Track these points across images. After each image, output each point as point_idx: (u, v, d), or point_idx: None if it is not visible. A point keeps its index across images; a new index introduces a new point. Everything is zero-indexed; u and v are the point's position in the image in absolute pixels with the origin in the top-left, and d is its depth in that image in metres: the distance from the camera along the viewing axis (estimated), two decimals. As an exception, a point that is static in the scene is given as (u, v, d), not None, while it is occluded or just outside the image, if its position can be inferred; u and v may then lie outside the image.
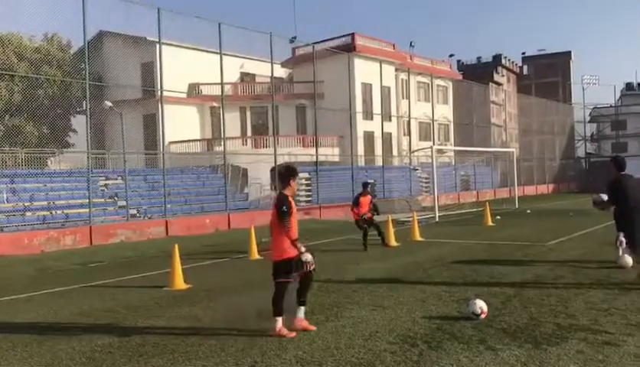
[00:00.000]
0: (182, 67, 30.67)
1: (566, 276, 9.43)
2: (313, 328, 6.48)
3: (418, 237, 16.03)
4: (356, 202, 14.48)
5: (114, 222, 20.12)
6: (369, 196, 14.76)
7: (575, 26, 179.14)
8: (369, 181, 17.21)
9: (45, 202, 19.95)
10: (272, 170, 27.44)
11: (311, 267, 6.34)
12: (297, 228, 6.53)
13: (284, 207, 6.38)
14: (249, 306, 8.04)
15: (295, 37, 35.67)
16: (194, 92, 35.96)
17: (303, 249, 6.31)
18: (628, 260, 9.84)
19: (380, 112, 34.99)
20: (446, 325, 6.56)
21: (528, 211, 25.75)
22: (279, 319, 6.34)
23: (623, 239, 9.42)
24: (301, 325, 6.48)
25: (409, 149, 39.09)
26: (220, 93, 24.74)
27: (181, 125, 31.26)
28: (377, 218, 14.80)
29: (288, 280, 6.35)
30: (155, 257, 14.61)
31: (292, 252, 6.34)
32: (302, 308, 6.56)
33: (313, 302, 8.09)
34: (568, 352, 5.45)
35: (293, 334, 6.29)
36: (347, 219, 26.28)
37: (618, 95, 68.08)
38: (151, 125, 30.90)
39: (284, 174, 6.77)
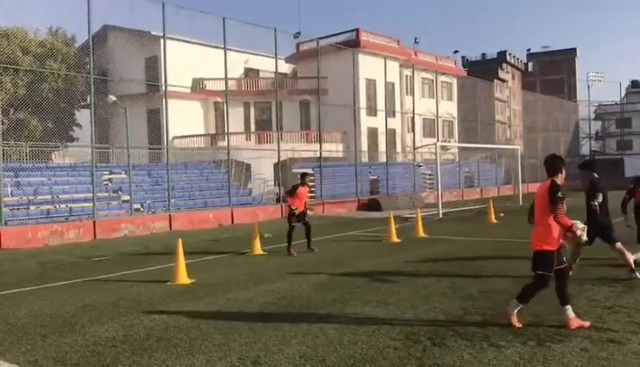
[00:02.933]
0: (186, 62, 30.66)
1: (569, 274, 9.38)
2: (587, 324, 6.20)
3: (421, 234, 16.02)
4: (293, 193, 13.21)
5: (118, 217, 20.16)
6: (307, 188, 13.69)
7: (580, 23, 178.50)
8: (307, 171, 15.65)
9: (49, 196, 19.99)
10: (276, 165, 27.45)
11: (583, 237, 6.29)
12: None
13: (559, 193, 6.24)
14: (253, 301, 8.06)
15: (299, 33, 35.57)
16: (198, 87, 35.98)
17: (580, 225, 6.27)
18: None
19: (384, 108, 34.94)
20: (450, 322, 6.56)
21: (532, 208, 25.67)
22: (515, 305, 6.27)
23: None
24: (575, 324, 6.14)
25: (413, 145, 39.06)
26: (224, 88, 24.74)
27: (184, 120, 31.29)
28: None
29: (548, 274, 6.18)
30: (159, 251, 14.64)
31: (554, 245, 6.22)
32: (568, 307, 6.23)
33: (316, 298, 8.11)
34: (572, 349, 5.44)
35: (520, 325, 6.21)
36: (351, 215, 26.37)
37: (623, 92, 67.85)
38: (155, 120, 30.96)
39: (554, 163, 6.63)
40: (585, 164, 10.20)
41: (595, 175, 9.28)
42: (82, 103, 31.86)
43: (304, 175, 13.67)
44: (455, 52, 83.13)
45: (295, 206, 13.07)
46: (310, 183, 13.84)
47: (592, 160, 10.24)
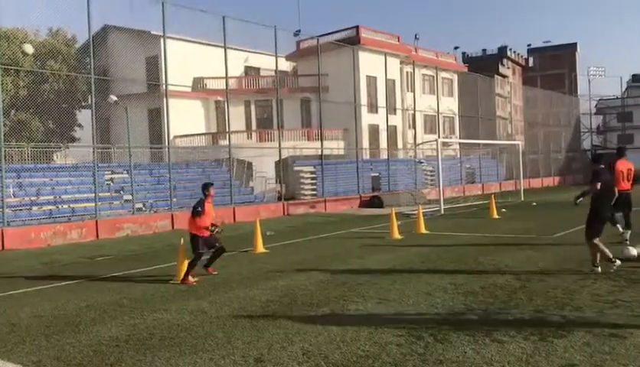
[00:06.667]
0: (187, 61, 30.65)
1: (571, 268, 9.41)
2: None
3: (423, 230, 16.02)
4: (200, 212, 9.74)
5: (120, 216, 20.20)
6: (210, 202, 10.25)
7: (581, 18, 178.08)
8: (210, 182, 10.97)
9: (51, 197, 20.03)
10: (277, 163, 27.46)
11: None
12: None
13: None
14: (255, 298, 8.07)
15: (299, 31, 35.57)
16: (198, 86, 35.97)
17: None
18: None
19: (384, 105, 34.91)
20: (452, 317, 6.58)
21: (534, 203, 25.68)
22: None
23: None
24: None
25: (415, 142, 39.04)
26: (225, 87, 24.74)
27: (185, 119, 31.31)
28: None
29: None
30: (161, 250, 14.67)
31: None
32: None
33: (319, 295, 8.12)
34: (574, 344, 5.45)
35: None
36: (353, 212, 26.37)
37: (624, 86, 67.69)
38: (156, 119, 31.01)
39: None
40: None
41: (602, 166, 9.43)
42: (83, 103, 31.90)
43: (207, 185, 10.30)
44: (456, 48, 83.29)
45: (208, 226, 9.85)
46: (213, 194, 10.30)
47: (598, 153, 10.81)
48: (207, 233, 9.85)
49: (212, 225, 9.95)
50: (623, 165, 11.58)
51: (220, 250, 10.23)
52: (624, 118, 60.61)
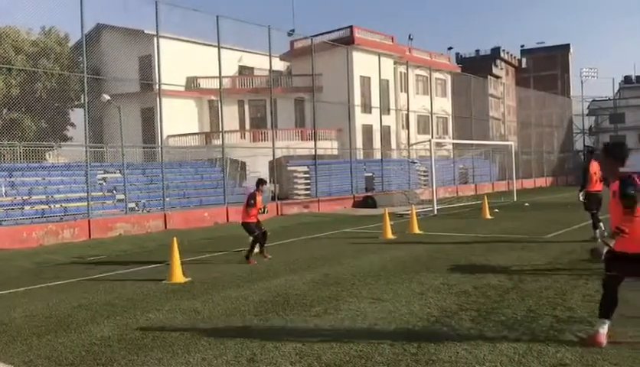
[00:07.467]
0: (180, 60, 30.59)
1: (563, 268, 9.45)
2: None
3: (416, 230, 16.05)
4: (253, 204, 11.90)
5: (113, 216, 20.11)
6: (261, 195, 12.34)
7: (574, 19, 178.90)
8: (264, 178, 13.59)
9: (44, 196, 19.90)
10: (271, 163, 27.44)
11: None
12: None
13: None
14: (248, 298, 8.06)
15: (293, 30, 35.53)
16: (192, 85, 35.91)
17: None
18: None
19: (378, 105, 34.97)
20: (445, 317, 6.59)
21: (526, 204, 25.77)
22: (605, 324, 5.43)
23: None
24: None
25: (408, 142, 39.11)
26: (219, 86, 24.69)
27: (179, 119, 31.25)
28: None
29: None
30: (154, 250, 14.62)
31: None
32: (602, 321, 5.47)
33: (312, 295, 8.12)
34: (566, 344, 5.48)
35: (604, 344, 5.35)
36: (346, 212, 26.39)
37: (616, 88, 68.04)
38: (150, 119, 30.90)
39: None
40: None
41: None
42: (76, 102, 31.78)
43: (262, 181, 12.46)
44: (449, 48, 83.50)
45: (252, 220, 11.94)
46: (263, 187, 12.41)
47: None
48: (256, 219, 11.93)
49: (254, 220, 11.95)
50: (595, 167, 12.15)
51: (264, 234, 12.06)
52: (616, 120, 60.93)
